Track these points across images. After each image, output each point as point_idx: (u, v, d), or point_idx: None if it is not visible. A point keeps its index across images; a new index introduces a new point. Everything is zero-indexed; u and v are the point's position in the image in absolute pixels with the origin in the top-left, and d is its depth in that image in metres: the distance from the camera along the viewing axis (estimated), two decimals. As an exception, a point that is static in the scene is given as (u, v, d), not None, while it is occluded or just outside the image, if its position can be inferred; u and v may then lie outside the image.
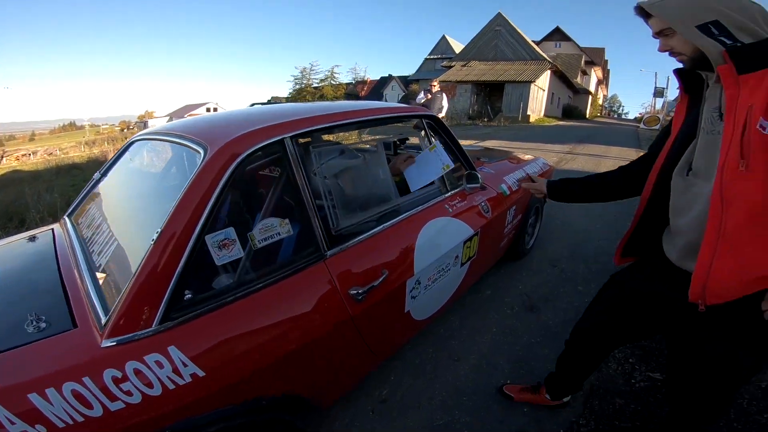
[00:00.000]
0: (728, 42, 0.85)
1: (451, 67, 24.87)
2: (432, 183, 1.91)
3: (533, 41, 25.03)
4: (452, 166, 1.73)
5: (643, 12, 0.97)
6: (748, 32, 0.84)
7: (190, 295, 1.05)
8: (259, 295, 1.18)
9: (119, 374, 0.91)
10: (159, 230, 1.04)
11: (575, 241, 3.55)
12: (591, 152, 9.46)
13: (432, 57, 32.12)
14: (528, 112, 21.64)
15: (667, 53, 0.97)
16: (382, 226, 1.56)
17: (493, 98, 23.48)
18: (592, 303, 1.42)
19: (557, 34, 33.72)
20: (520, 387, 1.78)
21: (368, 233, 1.50)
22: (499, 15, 24.04)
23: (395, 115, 1.79)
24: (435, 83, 6.98)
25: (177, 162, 1.56)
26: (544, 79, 23.59)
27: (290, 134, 1.31)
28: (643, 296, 1.20)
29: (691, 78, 1.02)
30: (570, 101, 32.43)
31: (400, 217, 1.65)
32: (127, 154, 1.85)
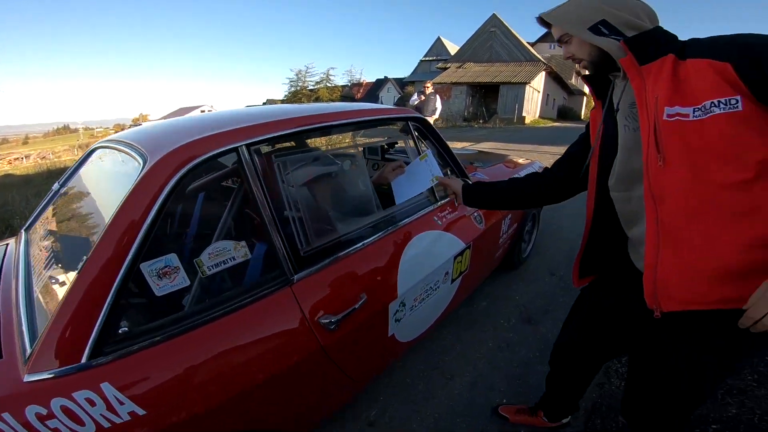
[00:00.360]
0: (620, 39, 0.88)
1: (446, 68, 24.84)
2: (421, 195, 1.73)
3: (528, 42, 25.05)
4: (442, 176, 1.55)
5: (543, 22, 1.04)
6: (634, 28, 0.89)
7: (126, 328, 0.93)
8: (212, 327, 1.03)
9: (44, 411, 0.81)
10: (86, 257, 0.91)
11: (573, 247, 3.41)
12: (588, 154, 9.25)
13: (427, 59, 32.19)
14: (523, 114, 21.62)
15: (570, 60, 1.02)
16: (361, 244, 1.38)
17: (489, 100, 23.46)
18: (567, 319, 1.39)
19: (551, 36, 33.47)
20: (516, 408, 1.68)
21: (344, 252, 1.33)
22: (494, 16, 24.02)
23: (376, 117, 1.61)
24: (428, 85, 6.86)
25: (120, 175, 1.37)
26: (539, 81, 23.61)
27: (246, 142, 1.13)
28: (605, 310, 1.18)
29: (601, 82, 1.04)
30: (565, 102, 32.53)
31: (383, 232, 1.47)
32: (86, 164, 1.66)
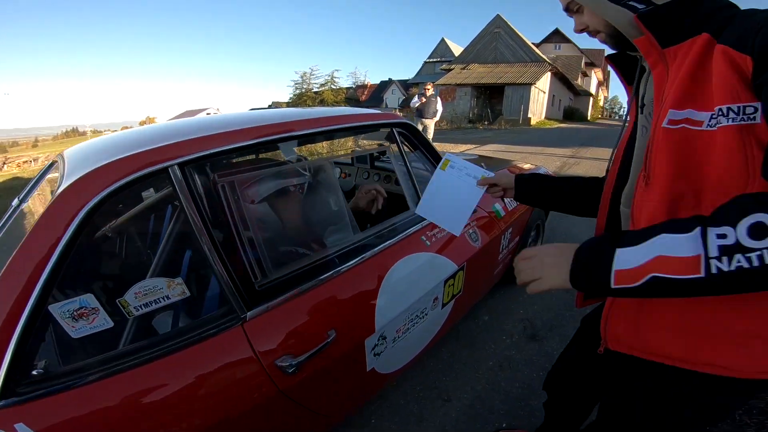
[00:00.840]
0: (639, 7, 0.65)
1: (450, 70, 24.69)
2: (409, 211, 1.54)
3: (533, 43, 24.90)
4: (493, 175, 1.18)
5: None
6: None
7: (41, 370, 0.83)
8: (145, 369, 0.88)
9: None
10: None
11: None
12: (595, 155, 9.10)
13: (431, 60, 32.12)
14: (529, 115, 21.37)
15: (586, 34, 0.79)
16: (331, 272, 1.19)
17: (494, 101, 23.26)
18: (568, 344, 1.26)
19: (556, 36, 33.61)
20: None
21: (310, 284, 1.14)
22: (498, 17, 23.84)
23: (354, 125, 1.41)
24: (429, 86, 6.72)
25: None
26: (545, 81, 23.39)
27: (179, 160, 0.95)
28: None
29: (630, 62, 0.81)
30: (571, 103, 32.31)
31: (359, 258, 1.27)
32: (43, 180, 1.50)
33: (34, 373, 0.81)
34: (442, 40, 32.41)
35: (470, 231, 1.74)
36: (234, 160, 1.25)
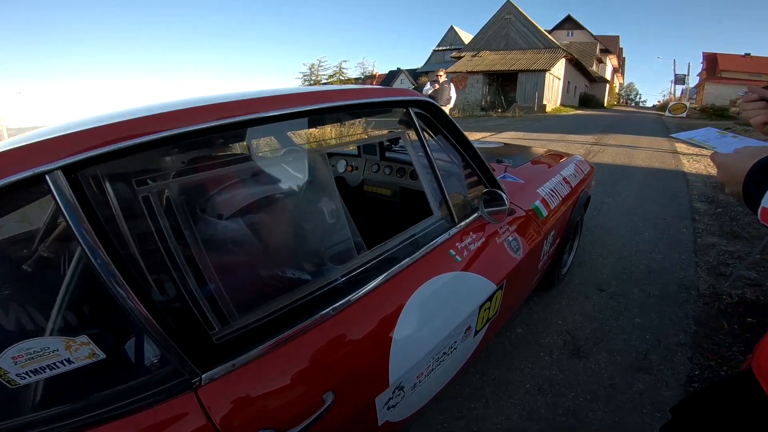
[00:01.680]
0: None
1: (460, 57, 24.15)
2: (431, 215, 1.16)
3: (545, 30, 24.27)
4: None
5: None
6: None
7: None
8: None
9: None
10: None
11: (622, 255, 2.83)
12: (620, 143, 8.62)
13: (440, 48, 31.58)
14: (544, 102, 20.80)
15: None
16: (324, 312, 0.82)
17: (507, 88, 22.64)
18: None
19: (569, 23, 32.91)
20: None
21: (293, 330, 0.77)
22: (508, 3, 23.23)
23: (354, 102, 1.00)
24: (441, 73, 6.31)
25: None
26: (559, 68, 22.83)
27: (65, 162, 0.58)
28: None
29: None
30: (587, 90, 31.70)
31: (365, 288, 0.90)
32: None
33: None
34: (451, 27, 31.73)
35: (509, 238, 1.35)
36: (185, 158, 0.87)
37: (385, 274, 0.95)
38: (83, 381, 0.70)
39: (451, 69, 22.23)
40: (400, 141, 1.92)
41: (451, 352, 1.14)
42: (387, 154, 1.99)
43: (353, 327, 0.86)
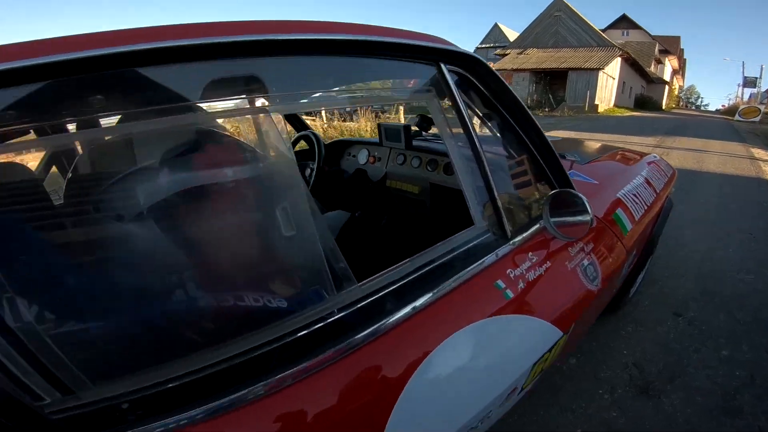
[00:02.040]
0: None
1: (505, 55, 23.71)
2: (472, 227, 0.77)
3: (598, 29, 23.48)
4: None
5: None
6: None
7: None
8: None
9: None
10: None
11: (701, 274, 2.35)
12: (685, 146, 7.80)
13: (484, 46, 31.02)
14: (596, 102, 19.92)
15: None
16: (262, 386, 0.45)
17: (555, 87, 21.93)
18: None
19: (624, 22, 31.66)
20: None
21: (208, 410, 0.42)
22: (558, 0, 22.42)
23: (351, 37, 0.61)
24: None
25: None
26: (614, 67, 21.97)
27: None
28: None
29: None
30: (644, 91, 30.16)
31: (347, 345, 0.52)
32: None
33: None
34: (495, 25, 31.04)
35: (586, 263, 0.92)
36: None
37: (391, 319, 0.56)
38: None
39: (496, 66, 21.74)
40: (432, 125, 1.51)
41: (482, 422, 0.74)
42: (415, 142, 1.59)
43: (320, 405, 0.48)
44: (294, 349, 0.50)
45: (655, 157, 2.03)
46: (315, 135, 1.77)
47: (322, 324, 0.53)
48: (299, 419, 0.48)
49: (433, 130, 1.68)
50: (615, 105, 22.93)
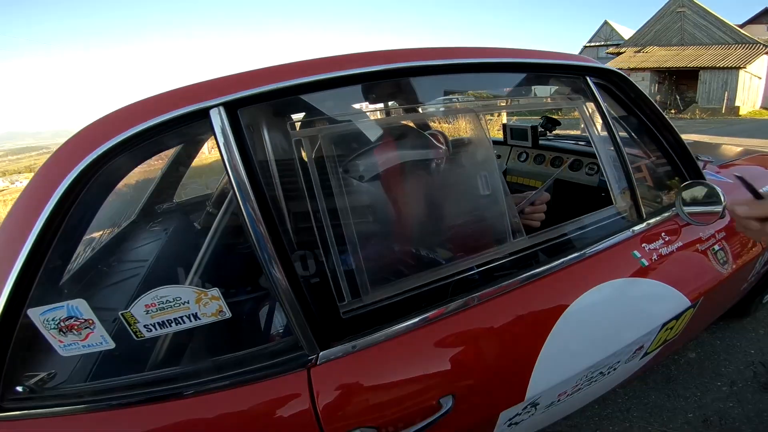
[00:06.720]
0: None
1: (620, 53, 21.67)
2: (605, 198, 0.94)
3: (735, 25, 20.26)
4: None
5: None
6: None
7: (28, 388, 0.61)
8: (150, 408, 0.60)
9: None
10: None
11: None
12: None
13: (593, 44, 28.61)
14: (737, 104, 17.35)
15: None
16: (463, 302, 0.70)
17: (682, 87, 19.72)
18: None
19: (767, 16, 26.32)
20: None
21: (426, 315, 0.68)
22: (678, -5, 19.91)
23: (515, 60, 0.85)
24: None
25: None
26: (760, 65, 18.89)
27: (226, 99, 0.59)
28: None
29: None
30: None
31: (517, 280, 0.75)
32: None
33: (19, 389, 0.60)
34: (605, 22, 28.38)
35: (716, 247, 1.02)
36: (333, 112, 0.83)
37: (547, 266, 0.78)
38: (200, 344, 0.71)
39: (609, 65, 20.14)
40: (559, 125, 1.66)
41: (609, 372, 0.91)
42: (541, 141, 1.75)
43: (497, 324, 0.72)
44: (478, 281, 0.75)
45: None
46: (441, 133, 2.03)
47: (499, 265, 0.77)
48: (477, 335, 0.72)
49: (557, 132, 1.82)
50: (762, 107, 19.63)
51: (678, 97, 19.32)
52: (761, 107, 19.56)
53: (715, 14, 19.73)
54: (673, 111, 17.84)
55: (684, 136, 1.15)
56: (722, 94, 17.58)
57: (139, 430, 0.58)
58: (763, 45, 18.67)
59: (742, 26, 23.27)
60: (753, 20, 26.94)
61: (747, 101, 18.38)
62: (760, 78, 19.26)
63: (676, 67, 19.03)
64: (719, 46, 19.16)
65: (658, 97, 19.70)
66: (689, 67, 18.53)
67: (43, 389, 0.62)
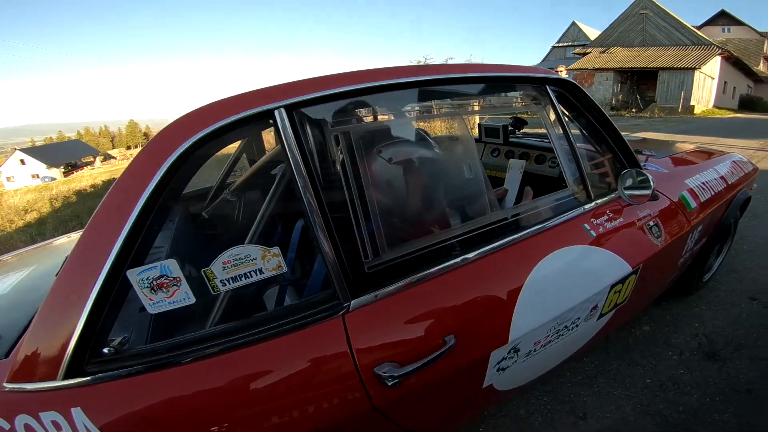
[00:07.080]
0: None
1: (585, 54, 22.40)
2: (563, 185, 1.17)
3: (693, 26, 21.24)
4: None
5: None
6: None
7: (112, 348, 0.73)
8: (216, 360, 0.74)
9: (7, 426, 0.70)
10: (66, 257, 0.74)
11: None
12: (795, 150, 6.96)
13: (561, 45, 29.46)
14: (692, 103, 18.26)
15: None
16: (458, 260, 0.91)
17: (643, 87, 20.57)
18: None
19: (724, 18, 27.81)
20: None
21: (430, 271, 0.88)
22: (642, -3, 20.81)
23: (486, 75, 1.08)
24: (561, 69, 5.99)
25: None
26: (713, 66, 19.90)
27: (286, 102, 0.78)
28: None
29: None
30: (750, 91, 26.41)
31: (496, 243, 0.97)
32: None
33: (106, 351, 0.72)
34: (573, 23, 29.37)
35: (651, 224, 1.26)
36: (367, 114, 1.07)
37: (521, 233, 1.00)
38: (251, 301, 0.88)
39: (575, 65, 20.87)
40: (526, 124, 1.90)
41: (573, 328, 1.13)
42: (510, 139, 1.98)
43: (485, 277, 0.93)
44: (470, 243, 0.95)
45: (735, 155, 2.18)
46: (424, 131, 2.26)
47: (485, 231, 0.98)
48: (471, 285, 0.92)
49: (524, 130, 2.06)
50: (715, 106, 20.57)
51: (639, 97, 20.07)
52: (714, 106, 20.44)
53: (675, 16, 20.54)
54: (633, 110, 18.54)
55: (641, 134, 1.40)
56: (679, 94, 18.38)
57: (215, 376, 0.72)
58: (717, 46, 19.60)
59: (699, 28, 24.39)
60: (710, 22, 28.10)
61: (701, 100, 19.19)
62: (713, 78, 20.20)
63: (637, 68, 19.72)
64: (677, 48, 19.97)
65: (620, 97, 20.33)
66: (649, 67, 19.28)
67: (122, 350, 0.73)
